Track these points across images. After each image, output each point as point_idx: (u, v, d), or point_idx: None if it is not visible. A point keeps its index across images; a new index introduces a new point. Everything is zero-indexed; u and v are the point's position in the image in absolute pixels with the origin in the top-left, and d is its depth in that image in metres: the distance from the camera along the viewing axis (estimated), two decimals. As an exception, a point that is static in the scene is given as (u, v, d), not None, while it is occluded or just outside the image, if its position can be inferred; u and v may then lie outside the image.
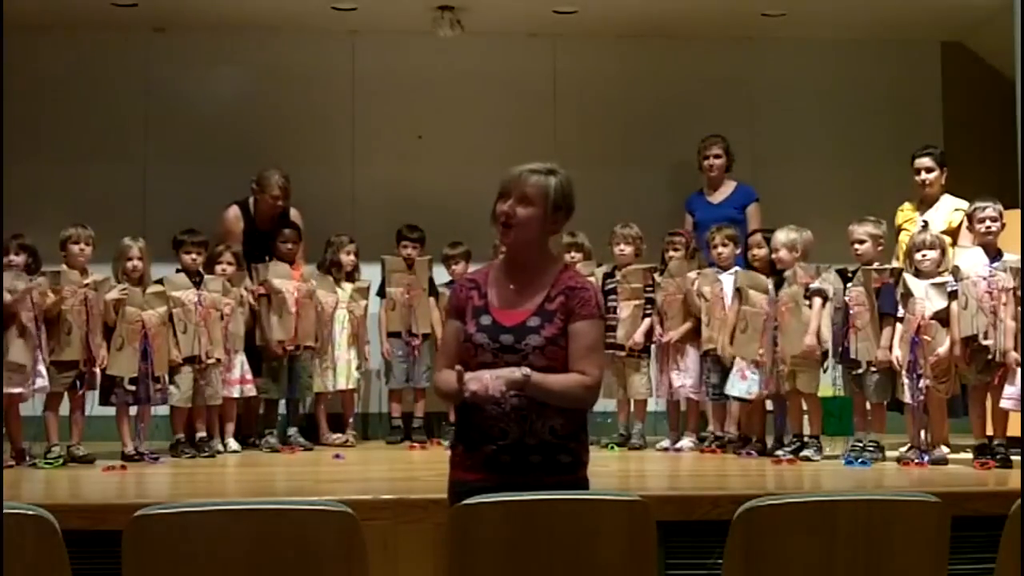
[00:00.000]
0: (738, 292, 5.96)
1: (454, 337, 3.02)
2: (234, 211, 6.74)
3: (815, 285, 5.64)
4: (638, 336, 6.32)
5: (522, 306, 2.98)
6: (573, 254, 6.45)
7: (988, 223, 5.39)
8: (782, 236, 5.83)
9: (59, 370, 5.60)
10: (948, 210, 6.11)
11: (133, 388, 5.73)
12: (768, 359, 5.75)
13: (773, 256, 5.87)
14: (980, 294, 5.20)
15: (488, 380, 2.81)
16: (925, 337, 5.30)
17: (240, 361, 6.35)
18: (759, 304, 5.85)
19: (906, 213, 6.30)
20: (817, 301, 5.62)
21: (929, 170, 6.18)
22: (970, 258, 5.39)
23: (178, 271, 6.21)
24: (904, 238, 6.04)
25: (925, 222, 6.05)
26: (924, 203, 6.26)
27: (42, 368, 5.47)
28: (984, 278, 5.24)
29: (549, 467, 2.92)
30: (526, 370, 2.85)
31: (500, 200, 2.98)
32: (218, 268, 6.31)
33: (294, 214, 6.85)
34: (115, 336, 5.73)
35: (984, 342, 5.17)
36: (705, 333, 6.15)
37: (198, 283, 6.12)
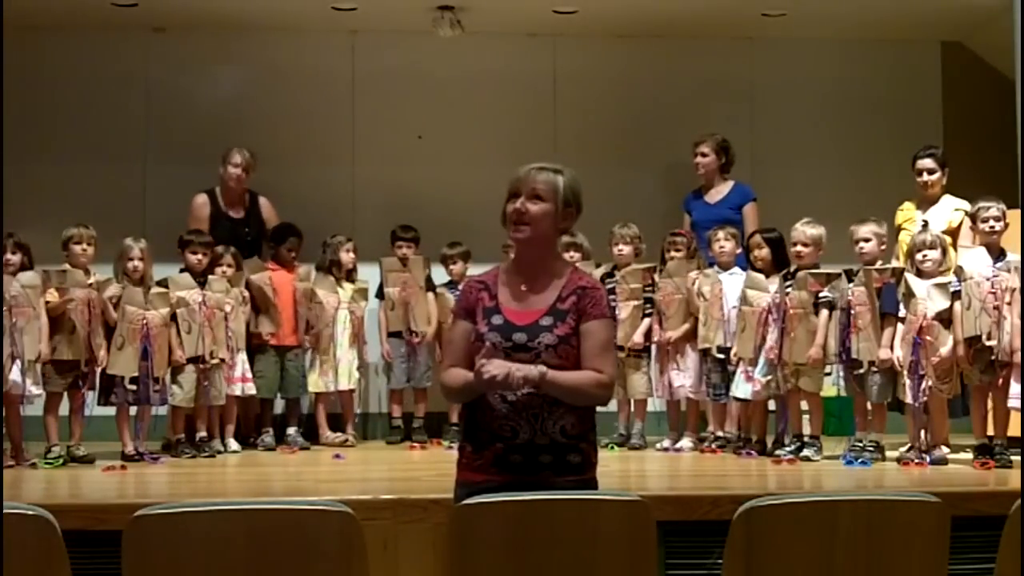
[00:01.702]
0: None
1: (463, 337, 3.03)
2: (201, 197, 6.72)
3: (824, 294, 5.63)
4: (637, 336, 6.32)
5: (534, 306, 3.00)
6: (571, 254, 6.43)
7: (991, 223, 5.39)
8: (811, 230, 5.78)
9: (60, 370, 5.60)
10: (948, 210, 6.10)
11: (133, 387, 5.73)
12: (773, 357, 5.75)
13: (793, 250, 5.85)
14: (984, 294, 5.20)
15: (509, 368, 2.82)
16: (927, 338, 5.29)
17: (241, 360, 6.37)
18: (756, 303, 5.86)
19: (906, 213, 6.29)
20: (824, 313, 5.62)
21: (931, 171, 6.17)
22: (973, 258, 5.39)
23: (181, 271, 6.21)
24: (904, 238, 6.04)
25: (925, 222, 6.05)
26: (925, 203, 6.25)
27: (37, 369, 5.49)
28: (988, 278, 5.23)
29: (559, 467, 2.94)
30: (543, 368, 2.87)
31: (510, 201, 2.99)
32: (219, 270, 6.32)
33: (264, 203, 6.83)
34: (115, 335, 5.73)
35: (987, 343, 5.17)
36: (701, 332, 6.15)
37: (202, 283, 6.13)
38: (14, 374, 5.39)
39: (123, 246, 5.95)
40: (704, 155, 6.99)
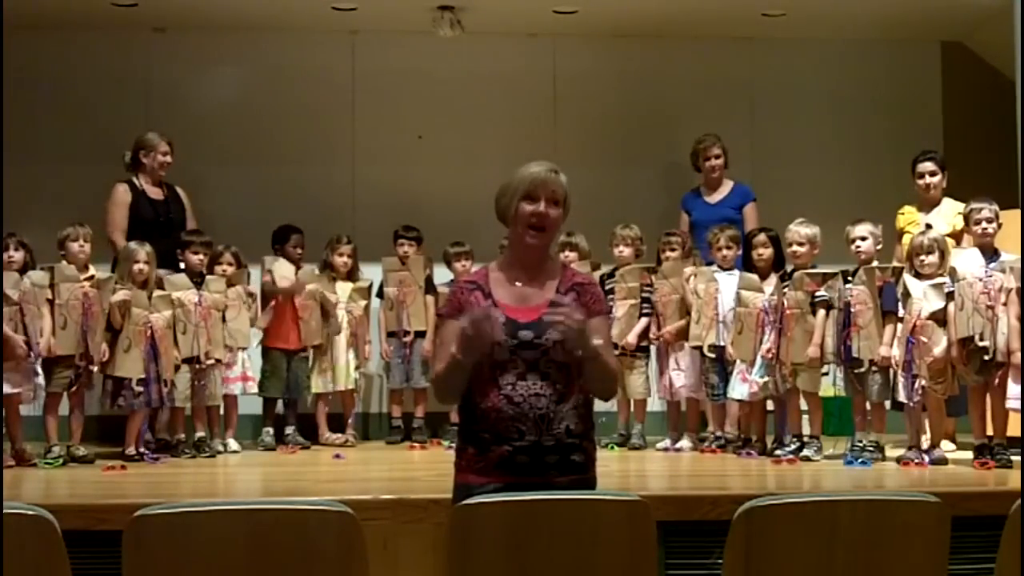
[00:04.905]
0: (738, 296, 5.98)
1: (457, 337, 3.02)
2: (122, 187, 6.52)
3: (821, 294, 5.63)
4: (631, 337, 6.30)
5: (533, 303, 3.00)
6: (567, 253, 6.43)
7: (984, 224, 5.39)
8: (805, 230, 5.80)
9: (55, 366, 5.60)
10: (951, 214, 6.10)
11: (141, 389, 5.72)
12: (770, 358, 5.75)
13: (788, 250, 5.86)
14: (976, 295, 5.20)
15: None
16: (921, 337, 5.30)
17: (242, 359, 6.37)
18: (752, 304, 5.86)
19: (908, 216, 6.30)
20: (821, 313, 5.62)
21: (933, 174, 6.20)
22: (966, 259, 5.39)
23: (179, 271, 6.20)
24: (907, 241, 6.04)
25: (928, 225, 6.04)
26: (926, 206, 6.26)
27: (38, 367, 5.50)
28: (980, 279, 5.23)
29: (563, 467, 2.94)
30: (599, 341, 2.91)
31: (526, 201, 2.98)
32: (218, 269, 6.32)
33: (181, 191, 6.74)
34: (122, 338, 5.73)
35: (980, 343, 5.17)
36: (694, 330, 6.15)
37: (199, 283, 6.12)
38: (37, 373, 5.46)
39: (128, 250, 5.94)
40: (718, 156, 7.00)
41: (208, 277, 6.21)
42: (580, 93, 7.81)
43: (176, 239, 6.34)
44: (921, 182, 6.22)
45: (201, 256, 6.21)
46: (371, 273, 6.98)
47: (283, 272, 6.62)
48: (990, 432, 5.34)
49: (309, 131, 7.61)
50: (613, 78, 7.83)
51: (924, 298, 5.35)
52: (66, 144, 7.36)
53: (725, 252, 6.24)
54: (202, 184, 7.11)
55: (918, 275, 5.44)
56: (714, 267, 6.28)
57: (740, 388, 5.94)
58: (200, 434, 6.12)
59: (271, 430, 6.58)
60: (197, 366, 6.02)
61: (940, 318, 5.31)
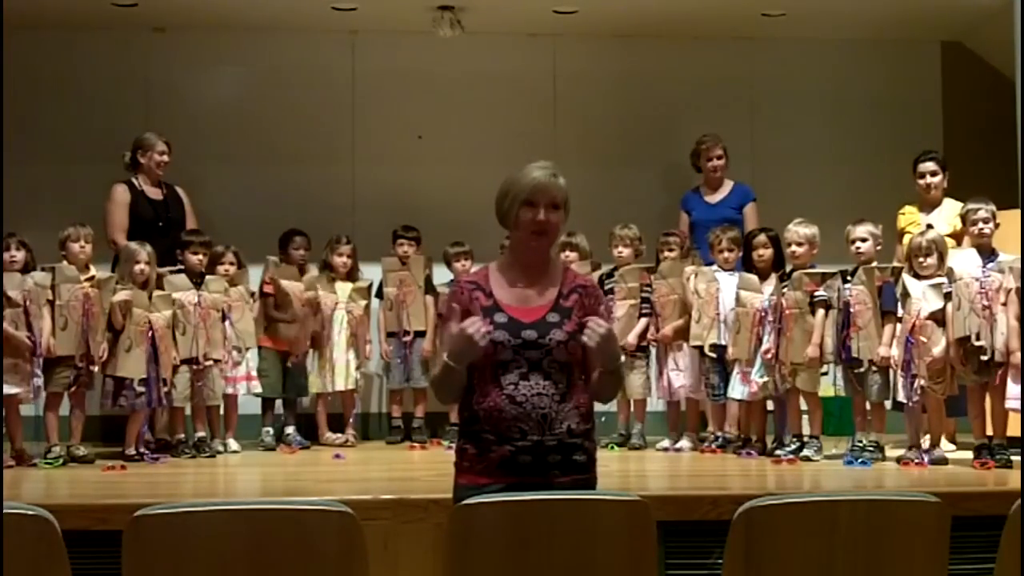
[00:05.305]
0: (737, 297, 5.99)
1: (449, 342, 3.02)
2: (121, 187, 6.51)
3: (820, 294, 5.64)
4: (631, 337, 6.29)
5: (535, 303, 3.01)
6: (567, 253, 6.43)
7: (981, 224, 5.39)
8: (804, 230, 5.80)
9: (55, 366, 5.60)
10: (952, 214, 6.10)
11: (143, 389, 5.72)
12: (770, 358, 5.75)
13: (787, 250, 5.86)
14: (973, 295, 5.20)
15: (477, 321, 2.88)
16: (920, 337, 5.30)
17: (246, 359, 6.37)
18: (749, 304, 5.86)
19: (909, 216, 6.30)
20: (820, 312, 5.63)
21: (934, 174, 6.20)
22: (963, 259, 5.39)
23: (178, 271, 6.20)
24: (908, 241, 6.04)
25: (929, 225, 6.04)
26: (927, 206, 6.26)
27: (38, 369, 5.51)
28: (977, 279, 5.23)
29: (566, 466, 2.94)
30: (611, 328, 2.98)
31: (526, 207, 2.98)
32: (220, 269, 6.32)
33: (181, 191, 6.73)
34: (123, 338, 5.73)
35: (977, 343, 5.17)
36: (694, 330, 6.15)
37: (198, 284, 6.12)
38: (37, 375, 5.49)
39: (129, 250, 5.94)
40: (720, 157, 7.00)
41: (208, 277, 6.20)
42: (580, 93, 7.81)
43: (175, 239, 6.34)
44: (922, 182, 6.23)
45: (200, 256, 6.21)
46: (371, 273, 6.98)
47: (289, 275, 6.62)
48: (990, 432, 5.34)
49: (309, 131, 7.61)
50: (613, 78, 7.83)
51: (923, 298, 5.35)
52: (66, 144, 7.36)
53: (727, 254, 6.24)
54: (202, 184, 7.11)
55: (917, 275, 5.44)
56: (715, 267, 6.28)
57: (740, 388, 5.94)
58: (200, 434, 6.12)
59: (271, 430, 6.58)
60: (195, 367, 6.02)
61: (939, 318, 5.32)
